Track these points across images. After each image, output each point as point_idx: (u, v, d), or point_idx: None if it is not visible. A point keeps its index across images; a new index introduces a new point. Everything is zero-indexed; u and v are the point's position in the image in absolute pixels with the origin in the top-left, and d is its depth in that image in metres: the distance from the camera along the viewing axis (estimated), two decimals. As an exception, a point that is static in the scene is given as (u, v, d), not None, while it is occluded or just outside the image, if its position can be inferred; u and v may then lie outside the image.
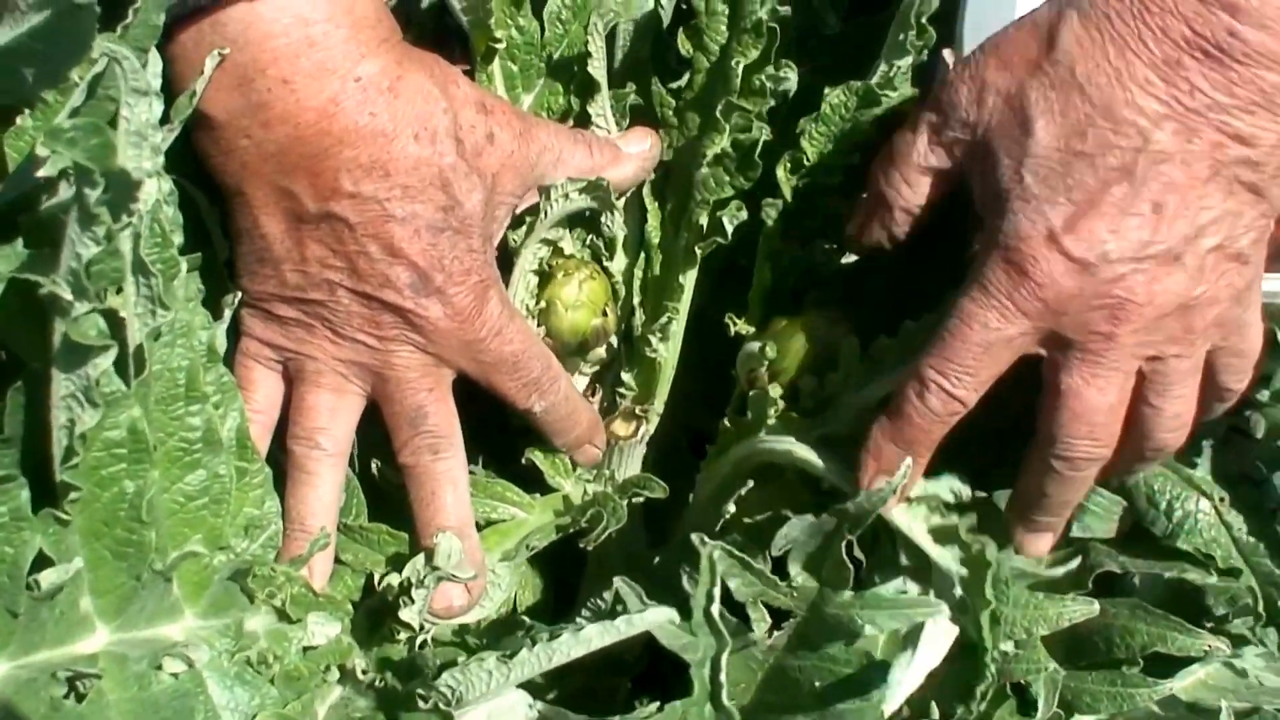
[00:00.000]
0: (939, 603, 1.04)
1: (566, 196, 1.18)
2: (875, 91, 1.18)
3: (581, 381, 1.28)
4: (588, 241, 1.25)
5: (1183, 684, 1.18)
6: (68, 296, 0.80)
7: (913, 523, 1.14)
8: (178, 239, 0.97)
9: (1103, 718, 1.15)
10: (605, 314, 1.23)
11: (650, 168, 1.23)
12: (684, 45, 1.21)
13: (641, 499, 1.25)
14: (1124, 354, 1.01)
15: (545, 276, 1.23)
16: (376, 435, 1.16)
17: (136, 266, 0.91)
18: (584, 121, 1.24)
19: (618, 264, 1.27)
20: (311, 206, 1.04)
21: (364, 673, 1.07)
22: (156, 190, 0.94)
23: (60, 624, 0.89)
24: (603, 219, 1.24)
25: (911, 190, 1.10)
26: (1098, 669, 1.14)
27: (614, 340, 1.28)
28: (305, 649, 1.07)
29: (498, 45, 1.19)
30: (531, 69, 1.23)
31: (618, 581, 1.05)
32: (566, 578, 1.33)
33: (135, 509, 0.91)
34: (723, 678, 0.96)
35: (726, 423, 1.22)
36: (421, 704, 1.01)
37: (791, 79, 1.18)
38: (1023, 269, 1.00)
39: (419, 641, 1.12)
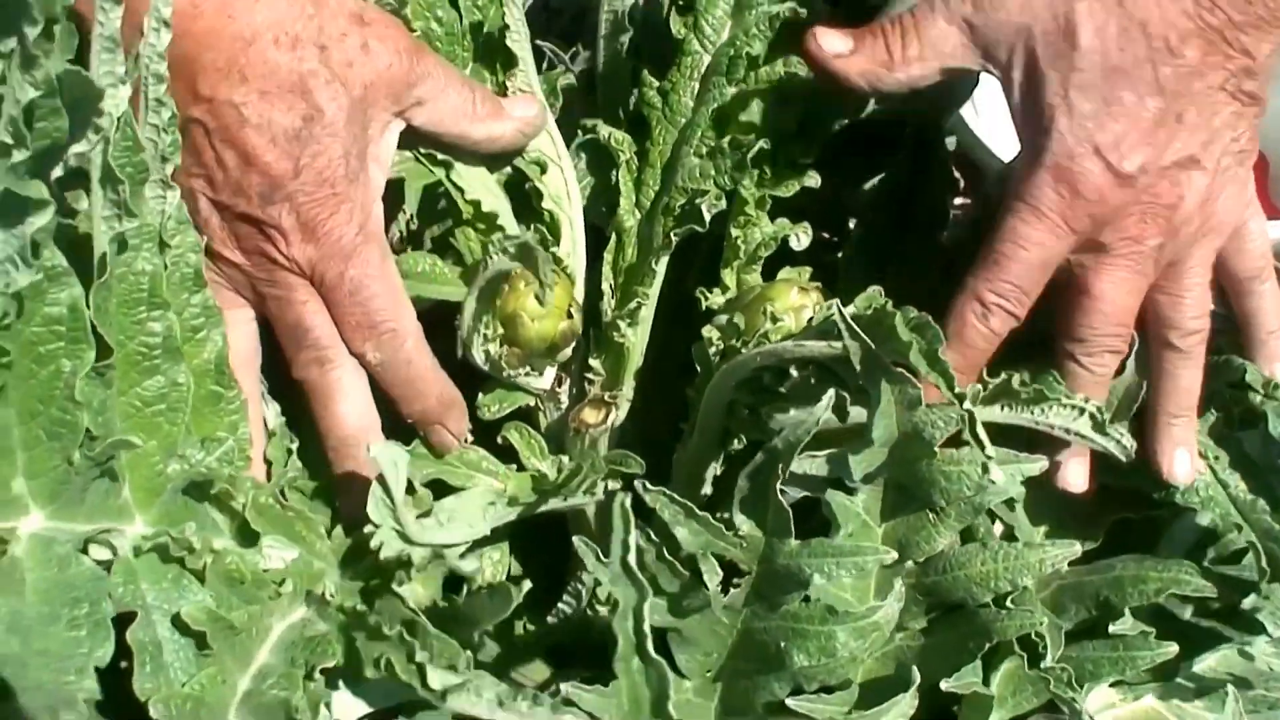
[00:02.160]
0: (887, 549, 1.03)
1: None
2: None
3: (550, 371, 1.25)
4: (533, 227, 1.24)
5: (1193, 670, 1.17)
6: (7, 140, 0.81)
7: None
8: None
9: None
10: (570, 315, 1.22)
11: (531, 135, 1.21)
12: (677, 27, 1.23)
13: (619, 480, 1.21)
14: (1148, 257, 1.08)
15: (501, 287, 1.18)
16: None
17: (105, 174, 0.92)
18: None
19: (564, 247, 1.25)
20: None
21: (332, 595, 1.03)
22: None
23: (-10, 499, 0.87)
24: (543, 204, 1.23)
25: (913, 68, 1.13)
26: (1100, 636, 1.13)
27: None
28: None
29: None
30: (456, 59, 1.23)
31: (576, 541, 1.01)
32: (554, 564, 1.30)
33: (70, 388, 0.89)
34: (646, 628, 0.93)
35: (690, 392, 1.19)
36: (386, 630, 0.95)
37: (802, 73, 1.19)
38: (1074, 187, 1.06)
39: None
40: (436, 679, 0.88)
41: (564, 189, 1.26)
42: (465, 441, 1.19)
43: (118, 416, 0.96)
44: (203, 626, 0.92)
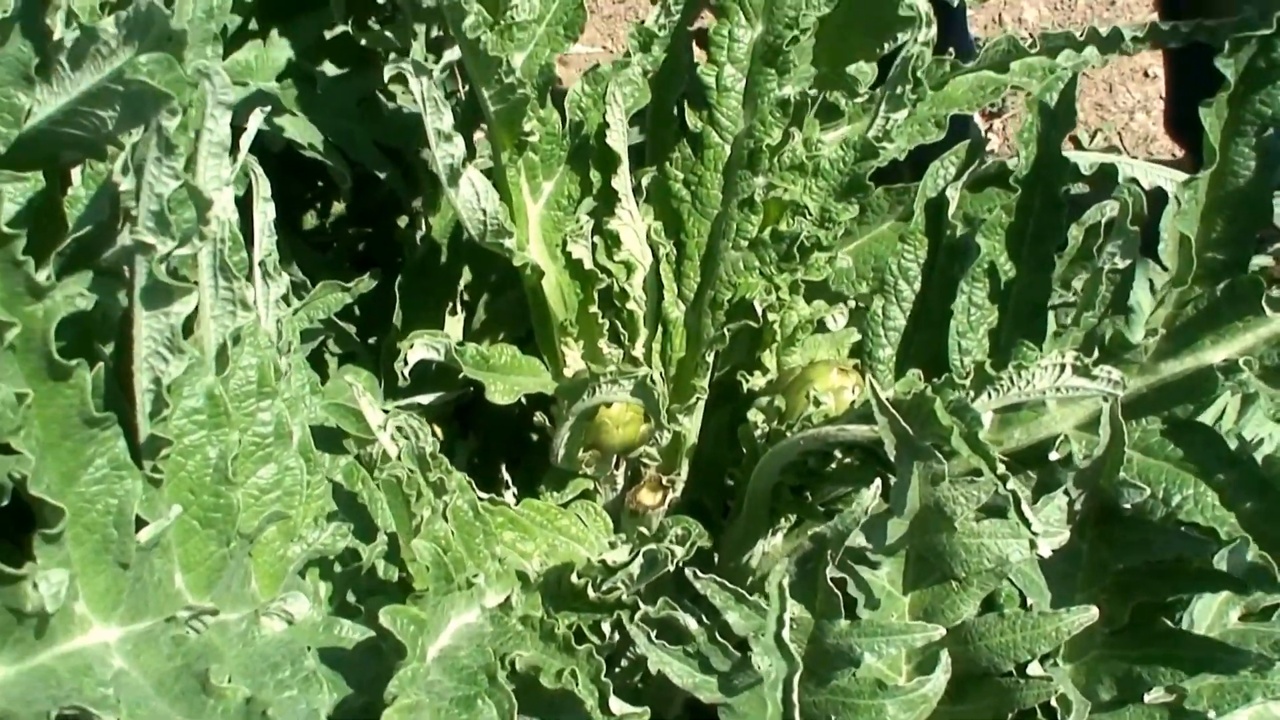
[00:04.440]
0: (936, 627, 1.05)
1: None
2: (872, 144, 1.25)
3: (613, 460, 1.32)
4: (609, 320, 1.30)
5: (1226, 726, 1.20)
6: (150, 233, 0.85)
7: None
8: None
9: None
10: (647, 418, 1.28)
11: None
12: (693, 120, 1.26)
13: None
14: None
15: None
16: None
17: (219, 269, 0.98)
18: (608, 202, 1.28)
19: (640, 349, 1.31)
20: None
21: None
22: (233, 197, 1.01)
23: (158, 594, 0.90)
24: (628, 304, 1.28)
25: None
26: (1136, 702, 1.14)
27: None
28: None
29: (529, 139, 1.23)
30: (553, 158, 1.29)
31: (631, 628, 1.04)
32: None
33: (220, 472, 0.93)
34: (794, 698, 0.97)
35: (737, 473, 1.24)
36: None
37: (825, 149, 1.25)
38: None
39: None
40: (617, 705, 0.91)
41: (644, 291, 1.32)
42: None
43: (240, 510, 0.98)
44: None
